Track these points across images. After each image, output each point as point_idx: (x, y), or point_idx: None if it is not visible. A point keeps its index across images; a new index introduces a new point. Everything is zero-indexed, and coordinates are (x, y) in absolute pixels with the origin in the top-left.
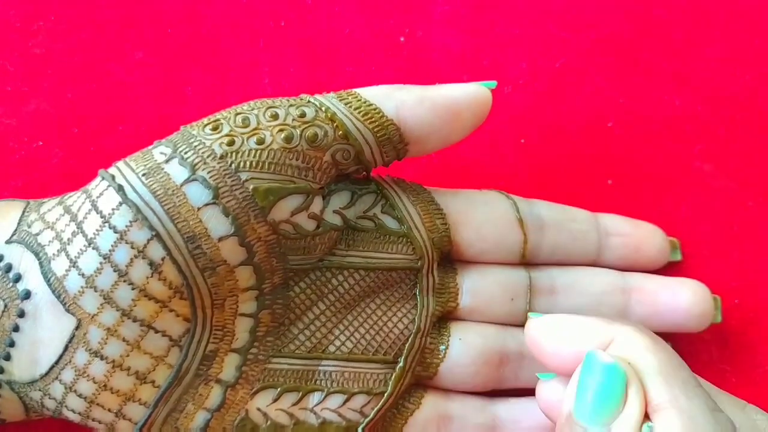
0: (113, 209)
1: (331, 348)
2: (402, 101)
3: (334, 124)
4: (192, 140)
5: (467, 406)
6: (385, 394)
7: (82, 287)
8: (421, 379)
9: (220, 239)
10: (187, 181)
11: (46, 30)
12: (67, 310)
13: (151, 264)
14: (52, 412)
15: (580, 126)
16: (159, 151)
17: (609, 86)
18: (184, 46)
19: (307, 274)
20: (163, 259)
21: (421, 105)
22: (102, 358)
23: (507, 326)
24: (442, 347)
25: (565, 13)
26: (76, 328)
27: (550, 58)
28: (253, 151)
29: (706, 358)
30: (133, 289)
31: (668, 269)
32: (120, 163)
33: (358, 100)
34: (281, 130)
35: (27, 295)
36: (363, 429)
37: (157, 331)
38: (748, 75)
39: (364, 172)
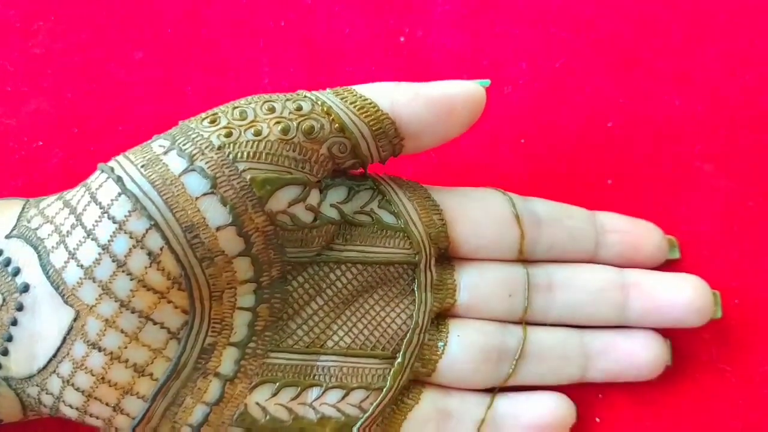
0: (112, 200)
1: (330, 343)
2: (397, 96)
3: (330, 118)
4: (190, 133)
5: (466, 401)
6: (384, 390)
7: (80, 278)
8: (419, 375)
9: (218, 229)
10: (185, 171)
11: (46, 30)
12: (66, 302)
13: (150, 254)
14: (50, 409)
15: (580, 126)
16: (158, 144)
17: (609, 86)
18: (184, 46)
19: (305, 269)
20: (161, 249)
21: (416, 100)
22: (100, 350)
23: (505, 323)
24: (440, 344)
25: (565, 13)
26: (75, 319)
27: (550, 58)
28: (251, 143)
29: (705, 357)
30: (131, 279)
31: (667, 268)
32: (119, 157)
33: (354, 95)
34: (278, 123)
35: (25, 288)
36: (362, 424)
37: (155, 323)
38: (748, 75)
39: (361, 168)
